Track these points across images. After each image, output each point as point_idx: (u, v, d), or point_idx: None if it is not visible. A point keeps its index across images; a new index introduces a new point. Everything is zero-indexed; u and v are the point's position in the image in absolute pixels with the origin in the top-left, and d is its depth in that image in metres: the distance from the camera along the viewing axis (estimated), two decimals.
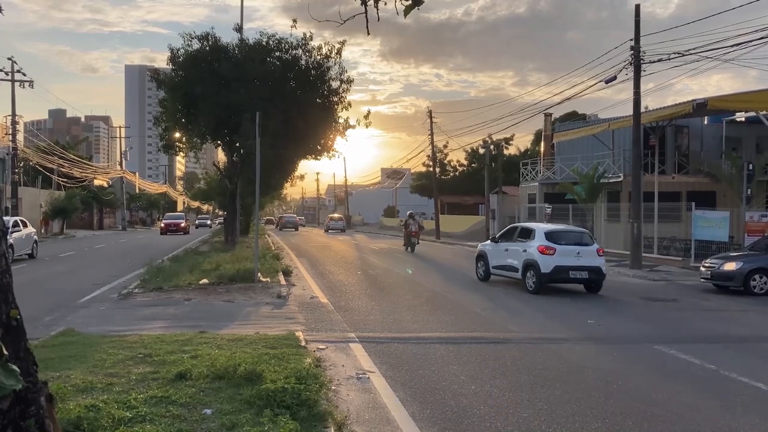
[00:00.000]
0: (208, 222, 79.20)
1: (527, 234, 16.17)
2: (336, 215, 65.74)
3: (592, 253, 15.36)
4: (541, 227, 16.56)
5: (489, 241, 18.77)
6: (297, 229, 63.67)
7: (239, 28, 23.56)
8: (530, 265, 15.31)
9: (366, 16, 3.52)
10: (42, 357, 5.50)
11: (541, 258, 15.04)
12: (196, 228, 70.87)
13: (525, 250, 15.65)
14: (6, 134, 41.92)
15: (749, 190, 21.16)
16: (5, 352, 2.62)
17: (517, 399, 6.42)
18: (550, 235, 15.54)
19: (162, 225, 53.97)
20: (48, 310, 11.65)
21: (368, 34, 3.59)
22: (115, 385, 5.97)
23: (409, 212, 32.70)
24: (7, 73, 40.39)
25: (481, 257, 18.08)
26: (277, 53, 22.65)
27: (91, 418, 4.81)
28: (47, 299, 13.15)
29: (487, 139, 44.75)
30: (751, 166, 21.23)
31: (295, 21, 21.77)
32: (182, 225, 52.71)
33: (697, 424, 5.82)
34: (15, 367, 2.63)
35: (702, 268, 16.36)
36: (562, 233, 16.05)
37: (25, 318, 3.04)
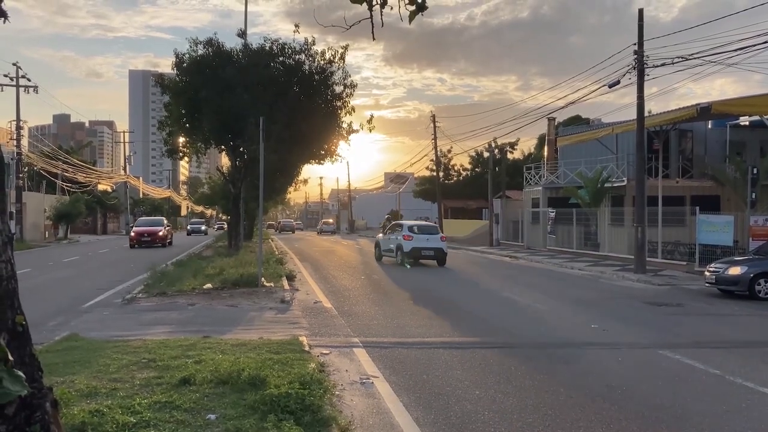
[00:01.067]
0: (203, 228, 67.92)
1: (400, 228, 24.63)
2: (329, 220, 78.49)
3: (437, 239, 23.79)
4: (406, 223, 25.24)
5: (381, 234, 27.70)
6: (294, 232, 74.82)
7: (243, 33, 23.63)
8: (399, 247, 23.72)
9: (371, 21, 3.52)
10: (46, 362, 5.49)
11: (404, 243, 23.44)
12: (188, 235, 60.64)
13: (397, 238, 24.07)
14: (11, 139, 42.13)
15: (754, 194, 21.04)
16: (11, 357, 2.63)
17: (521, 404, 6.40)
18: (410, 228, 24.11)
19: (132, 234, 37.97)
20: (52, 314, 11.68)
21: (373, 39, 3.59)
22: (120, 390, 5.97)
23: (386, 216, 38.83)
24: (11, 79, 40.62)
25: (378, 245, 26.66)
26: (281, 58, 22.74)
27: (96, 423, 4.82)
28: (51, 304, 13.18)
29: (491, 143, 44.81)
30: (755, 170, 21.12)
31: (297, 26, 21.83)
32: (160, 234, 37.28)
33: (701, 430, 5.79)
34: (20, 373, 2.63)
35: (706, 273, 16.28)
36: (419, 226, 24.80)
37: (29, 323, 3.04)
